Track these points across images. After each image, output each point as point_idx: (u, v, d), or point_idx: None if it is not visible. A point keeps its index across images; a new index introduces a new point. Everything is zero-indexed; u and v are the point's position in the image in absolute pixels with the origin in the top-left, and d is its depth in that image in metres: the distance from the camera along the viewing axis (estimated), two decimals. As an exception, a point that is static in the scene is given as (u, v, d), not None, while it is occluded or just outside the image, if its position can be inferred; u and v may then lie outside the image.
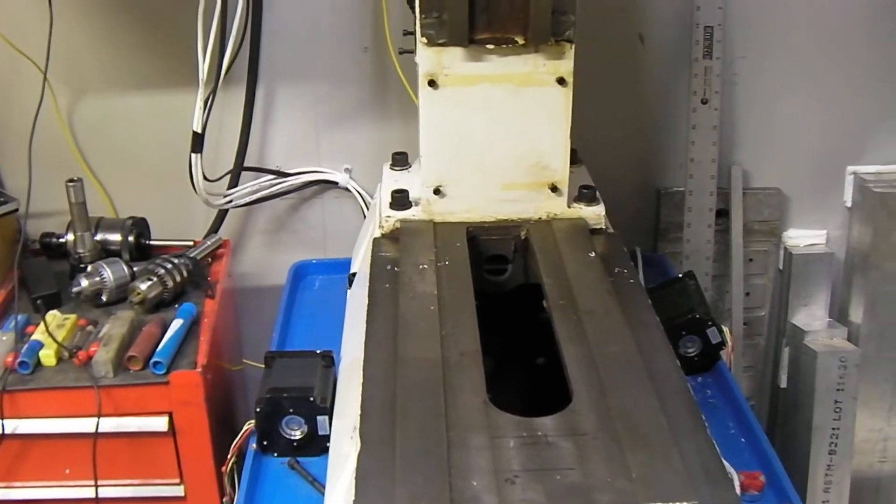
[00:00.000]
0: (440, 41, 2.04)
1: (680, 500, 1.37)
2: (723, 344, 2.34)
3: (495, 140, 2.13)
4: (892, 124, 3.07)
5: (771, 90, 3.00)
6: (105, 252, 2.69)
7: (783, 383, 3.20)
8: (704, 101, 2.94)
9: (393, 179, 2.35)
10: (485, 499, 1.38)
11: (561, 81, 2.09)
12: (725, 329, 2.36)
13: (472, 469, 1.44)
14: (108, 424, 2.27)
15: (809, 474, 3.09)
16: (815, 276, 3.15)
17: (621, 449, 1.48)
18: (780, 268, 3.20)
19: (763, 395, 3.34)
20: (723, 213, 3.09)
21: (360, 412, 1.60)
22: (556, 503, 1.38)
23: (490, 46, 2.05)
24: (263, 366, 2.14)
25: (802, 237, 3.18)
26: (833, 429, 3.05)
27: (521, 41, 2.04)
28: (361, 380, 1.68)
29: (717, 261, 3.12)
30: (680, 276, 2.43)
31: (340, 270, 2.64)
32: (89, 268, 2.55)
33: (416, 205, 2.20)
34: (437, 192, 2.17)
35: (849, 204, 3.14)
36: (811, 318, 3.18)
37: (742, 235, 3.10)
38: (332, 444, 1.90)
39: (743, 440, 2.15)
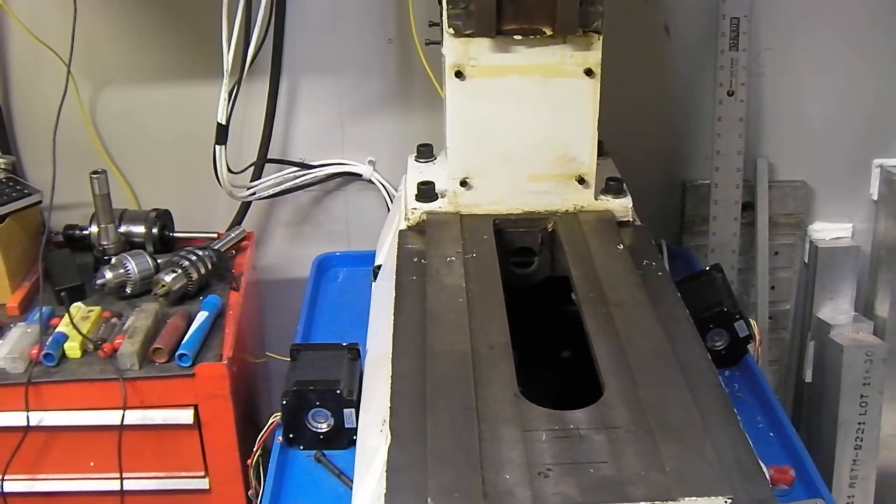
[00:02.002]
0: (467, 32, 2.03)
1: (714, 493, 1.36)
2: (750, 337, 2.32)
3: (522, 131, 2.12)
4: (919, 117, 3.05)
5: (797, 82, 2.98)
6: (129, 244, 2.68)
7: (808, 377, 3.18)
8: (730, 93, 2.92)
9: (418, 171, 2.34)
10: (518, 492, 1.37)
11: (588, 73, 2.08)
12: (753, 322, 2.34)
13: (504, 462, 1.43)
14: (134, 417, 2.26)
15: (835, 469, 3.07)
16: (840, 269, 3.13)
17: (654, 442, 1.47)
18: (806, 261, 3.17)
19: (788, 389, 3.32)
20: (748, 206, 3.07)
21: (389, 405, 1.59)
22: (589, 497, 1.37)
23: (517, 37, 2.04)
24: (287, 359, 2.14)
25: (828, 230, 3.15)
26: (859, 423, 3.03)
27: (548, 32, 2.03)
28: (389, 372, 1.68)
29: (743, 254, 3.10)
30: (707, 269, 2.41)
31: (364, 263, 2.64)
32: (113, 260, 2.55)
33: (443, 197, 2.19)
34: (463, 184, 2.16)
35: (875, 197, 3.11)
36: (837, 311, 3.16)
37: (767, 228, 3.08)
38: (359, 438, 1.89)
39: (772, 434, 2.14)
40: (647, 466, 1.42)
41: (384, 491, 1.41)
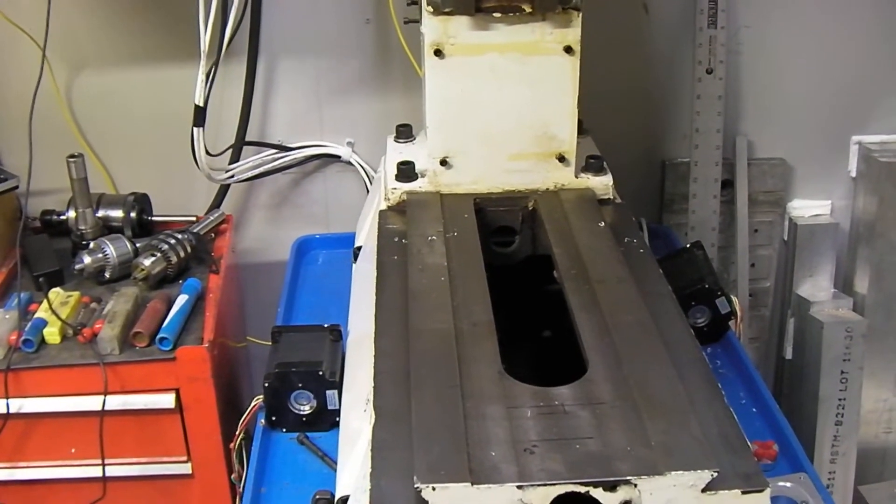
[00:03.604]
0: (446, 10, 2.02)
1: (701, 467, 1.35)
2: (732, 314, 2.32)
3: (502, 110, 2.12)
4: (897, 93, 3.06)
5: (775, 60, 2.98)
6: (107, 229, 2.66)
7: (789, 355, 3.20)
8: (709, 71, 2.92)
9: (398, 152, 2.33)
10: (504, 468, 1.36)
11: (568, 50, 2.08)
12: (734, 299, 2.34)
13: (489, 439, 1.42)
14: (115, 402, 2.25)
15: (816, 445, 3.09)
16: (819, 246, 3.14)
17: (639, 417, 1.46)
18: (785, 238, 3.18)
19: (768, 366, 3.33)
20: (728, 184, 3.08)
21: (373, 385, 1.59)
22: (576, 472, 1.36)
23: (497, 15, 2.03)
24: (267, 342, 2.12)
25: (807, 207, 3.16)
26: (839, 399, 3.05)
27: (527, 9, 2.02)
28: (372, 353, 1.67)
29: (723, 232, 3.11)
30: (688, 246, 2.41)
31: (344, 245, 2.63)
32: (91, 244, 2.53)
33: (423, 177, 2.18)
34: (443, 163, 2.15)
35: (853, 174, 3.13)
36: (816, 288, 3.17)
37: (747, 206, 3.08)
38: (342, 419, 1.89)
39: (754, 410, 2.13)
40: (632, 441, 1.42)
41: (369, 470, 1.40)
